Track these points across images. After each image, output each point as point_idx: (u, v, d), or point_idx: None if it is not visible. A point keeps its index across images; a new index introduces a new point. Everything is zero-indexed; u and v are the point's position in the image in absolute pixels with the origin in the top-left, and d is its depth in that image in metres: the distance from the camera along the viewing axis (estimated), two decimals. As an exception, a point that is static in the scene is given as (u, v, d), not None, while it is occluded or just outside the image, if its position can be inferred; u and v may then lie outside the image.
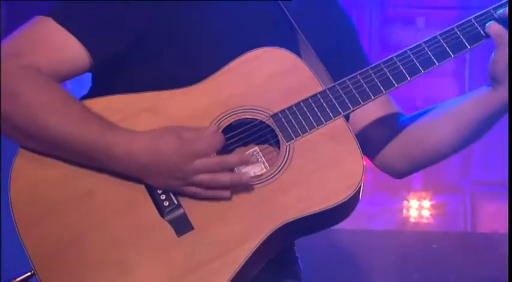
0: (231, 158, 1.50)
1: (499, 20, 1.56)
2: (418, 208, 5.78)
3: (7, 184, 1.53)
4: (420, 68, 1.57)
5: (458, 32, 1.57)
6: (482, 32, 1.57)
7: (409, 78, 1.56)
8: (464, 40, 1.57)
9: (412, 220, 5.78)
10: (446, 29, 1.58)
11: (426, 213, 5.77)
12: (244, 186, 1.50)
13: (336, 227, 1.61)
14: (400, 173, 1.75)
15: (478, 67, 5.83)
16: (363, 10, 6.04)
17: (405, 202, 5.81)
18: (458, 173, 6.02)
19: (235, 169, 1.54)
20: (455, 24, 1.58)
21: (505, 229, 5.68)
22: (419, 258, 3.76)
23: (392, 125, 1.72)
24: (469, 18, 1.58)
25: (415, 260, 3.76)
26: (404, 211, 5.81)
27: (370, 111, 1.69)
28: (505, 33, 1.55)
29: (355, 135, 1.67)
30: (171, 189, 1.51)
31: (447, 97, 5.20)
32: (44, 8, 1.57)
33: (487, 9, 1.58)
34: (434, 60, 1.56)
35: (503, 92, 1.59)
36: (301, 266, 1.71)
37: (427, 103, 5.32)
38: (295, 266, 1.70)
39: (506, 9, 1.56)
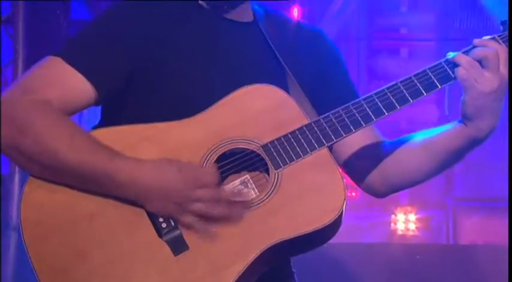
0: (224, 191, 1.50)
1: (466, 64, 1.55)
2: (405, 221, 5.80)
3: (18, 207, 1.51)
4: (396, 104, 1.56)
5: (430, 74, 1.57)
6: (451, 74, 1.57)
7: (386, 113, 1.56)
8: (435, 80, 1.57)
9: (399, 233, 5.79)
10: (420, 70, 1.59)
11: (412, 226, 5.79)
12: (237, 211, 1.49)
13: (330, 241, 1.60)
14: (381, 194, 1.74)
15: (456, 94, 6.03)
16: (351, 42, 6.10)
17: (393, 216, 5.83)
18: (441, 189, 6.02)
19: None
20: (428, 67, 1.59)
21: (483, 241, 5.78)
22: (406, 268, 3.75)
23: (374, 153, 1.71)
24: (440, 62, 1.58)
25: (401, 270, 3.75)
26: (392, 224, 5.83)
27: (355, 141, 1.69)
28: (471, 77, 1.53)
29: (342, 163, 1.68)
30: (167, 216, 1.49)
31: (429, 119, 5.32)
32: (54, 48, 1.58)
33: (455, 55, 1.57)
34: (409, 98, 1.56)
35: (471, 129, 1.58)
36: (297, 280, 1.70)
37: (411, 124, 5.41)
38: (291, 281, 1.69)
39: (473, 51, 1.57)
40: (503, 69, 1.54)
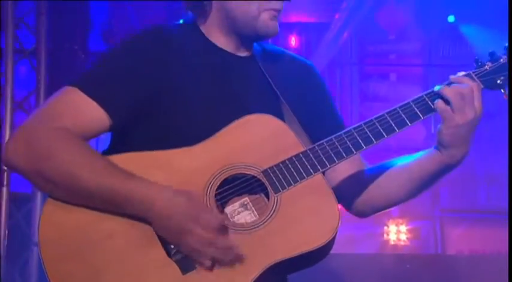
0: (221, 239, 1.46)
1: (444, 98, 1.55)
2: (396, 232, 5.83)
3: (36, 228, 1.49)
4: (384, 133, 1.56)
5: (413, 105, 1.57)
6: (432, 106, 1.56)
7: (375, 142, 1.56)
8: (418, 112, 1.57)
9: (392, 243, 5.82)
10: (404, 102, 1.59)
11: (403, 237, 5.82)
12: (239, 233, 1.48)
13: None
14: (367, 215, 1.76)
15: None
16: (345, 67, 6.17)
17: (385, 227, 5.85)
18: (429, 202, 6.02)
19: (229, 216, 1.53)
20: (411, 99, 1.59)
21: (469, 250, 5.75)
22: (397, 278, 3.71)
23: (360, 179, 1.71)
24: (422, 94, 1.58)
25: (393, 280, 3.72)
26: (385, 235, 5.85)
27: (343, 168, 1.68)
28: (448, 110, 1.54)
29: (331, 188, 1.63)
30: (169, 240, 1.47)
31: (417, 137, 5.34)
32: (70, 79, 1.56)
33: (435, 89, 1.58)
34: (395, 128, 1.56)
35: (445, 156, 1.58)
36: None
37: (399, 141, 5.43)
38: None
39: (449, 87, 1.56)
40: (477, 104, 1.54)
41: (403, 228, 5.82)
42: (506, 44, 1.60)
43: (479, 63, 1.59)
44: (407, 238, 5.82)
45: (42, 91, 4.14)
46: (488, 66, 1.58)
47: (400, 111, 1.57)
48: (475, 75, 1.58)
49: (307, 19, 6.16)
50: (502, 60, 1.59)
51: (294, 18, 6.05)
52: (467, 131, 1.55)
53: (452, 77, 1.58)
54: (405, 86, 6.05)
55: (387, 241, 5.81)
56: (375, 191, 1.69)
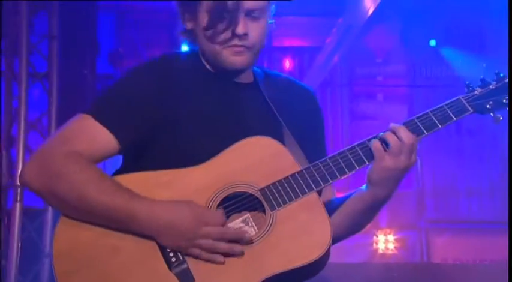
0: (230, 231, 1.49)
1: (380, 139, 1.53)
2: (385, 242, 5.86)
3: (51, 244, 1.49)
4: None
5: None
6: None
7: (357, 167, 1.54)
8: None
9: (380, 252, 5.84)
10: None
11: (391, 246, 5.85)
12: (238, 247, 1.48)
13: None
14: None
15: (429, 154, 5.91)
16: (335, 88, 6.27)
17: (374, 237, 5.88)
18: (415, 213, 6.08)
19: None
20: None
21: (452, 258, 5.75)
22: None
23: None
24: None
25: None
26: (374, 244, 5.87)
27: (327, 193, 1.65)
28: (382, 150, 1.51)
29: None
30: (178, 249, 1.48)
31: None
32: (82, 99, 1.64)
33: (375, 135, 1.54)
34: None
35: (370, 195, 1.56)
36: None
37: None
38: None
39: (384, 134, 1.53)
40: (414, 157, 1.52)
41: (391, 237, 5.85)
42: (497, 71, 1.59)
43: (470, 88, 1.58)
44: (395, 247, 5.84)
45: (53, 112, 4.17)
46: (478, 91, 1.57)
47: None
48: (465, 99, 1.56)
49: (300, 43, 6.23)
50: (491, 86, 1.57)
51: (288, 42, 6.13)
52: (395, 175, 1.52)
53: (391, 125, 1.54)
54: (391, 105, 6.11)
55: (376, 250, 5.84)
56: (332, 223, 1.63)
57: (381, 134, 1.53)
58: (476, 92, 1.57)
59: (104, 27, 4.95)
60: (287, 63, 6.23)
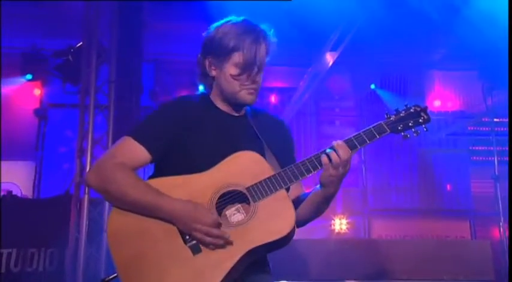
0: (213, 230, 1.47)
1: (326, 155, 1.51)
2: (339, 224, 5.86)
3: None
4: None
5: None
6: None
7: (313, 172, 1.55)
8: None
9: (336, 231, 5.84)
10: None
11: (344, 227, 5.86)
12: (229, 228, 1.48)
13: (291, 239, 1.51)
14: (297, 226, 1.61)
15: (371, 161, 6.19)
16: (306, 116, 6.31)
17: (332, 221, 5.87)
18: (361, 203, 6.11)
19: (227, 216, 1.51)
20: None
21: (385, 235, 5.82)
22: (339, 255, 3.70)
23: (297, 201, 1.64)
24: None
25: (336, 256, 3.69)
26: (332, 226, 5.86)
27: (294, 191, 1.63)
28: (328, 163, 1.50)
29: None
30: (187, 232, 1.49)
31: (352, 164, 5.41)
32: (130, 125, 1.62)
33: (324, 150, 1.52)
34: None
35: (323, 192, 1.55)
36: (270, 264, 1.66)
37: None
38: (267, 265, 1.65)
39: (329, 151, 1.51)
40: (348, 167, 1.50)
41: (344, 221, 5.83)
42: (406, 103, 1.59)
43: (388, 116, 1.59)
44: (346, 228, 5.83)
45: (110, 133, 4.28)
46: (393, 118, 1.58)
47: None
48: (385, 123, 1.55)
49: (282, 85, 6.28)
50: (401, 114, 1.57)
51: (273, 84, 6.23)
52: (337, 179, 1.52)
53: (334, 142, 1.52)
54: (345, 129, 6.19)
55: (333, 230, 5.81)
56: (300, 211, 1.63)
57: (328, 150, 1.52)
58: (392, 118, 1.58)
59: (146, 73, 5.00)
60: (273, 99, 6.26)
